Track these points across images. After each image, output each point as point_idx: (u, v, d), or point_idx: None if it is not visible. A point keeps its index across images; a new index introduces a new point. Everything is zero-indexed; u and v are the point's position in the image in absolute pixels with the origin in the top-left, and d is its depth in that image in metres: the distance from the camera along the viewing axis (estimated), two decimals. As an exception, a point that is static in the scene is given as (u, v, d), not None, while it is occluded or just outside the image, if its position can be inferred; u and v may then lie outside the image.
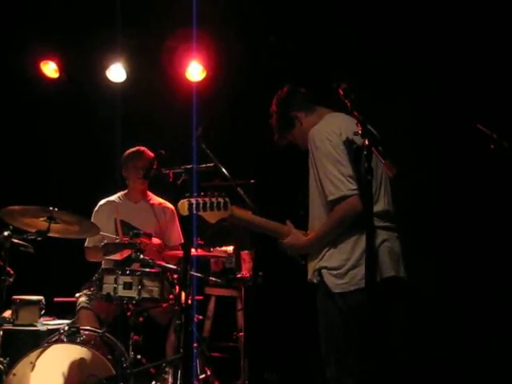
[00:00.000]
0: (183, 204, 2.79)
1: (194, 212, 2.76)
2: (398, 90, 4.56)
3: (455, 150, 4.43)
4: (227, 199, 2.78)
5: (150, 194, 4.56)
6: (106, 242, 3.91)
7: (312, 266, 2.81)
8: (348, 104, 2.49)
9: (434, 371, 4.27)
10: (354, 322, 2.66)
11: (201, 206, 2.76)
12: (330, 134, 2.74)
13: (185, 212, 2.79)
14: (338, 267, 2.70)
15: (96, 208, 4.44)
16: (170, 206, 4.53)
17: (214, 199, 2.77)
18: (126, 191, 4.54)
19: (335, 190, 2.67)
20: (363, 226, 2.55)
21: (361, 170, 2.57)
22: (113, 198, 4.51)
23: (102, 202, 4.48)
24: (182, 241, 4.48)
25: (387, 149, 2.60)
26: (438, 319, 4.40)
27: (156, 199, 4.56)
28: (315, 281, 2.79)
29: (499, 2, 4.30)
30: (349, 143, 2.68)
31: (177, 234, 4.51)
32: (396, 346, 2.89)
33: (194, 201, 2.76)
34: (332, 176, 2.68)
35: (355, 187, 2.65)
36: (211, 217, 2.78)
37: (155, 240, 4.19)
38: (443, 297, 4.44)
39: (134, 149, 4.46)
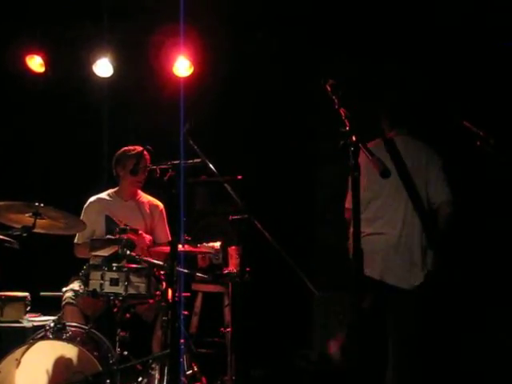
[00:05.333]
0: None
1: None
2: (383, 87, 4.56)
3: (441, 147, 4.45)
4: None
5: (140, 192, 4.54)
6: (93, 237, 3.88)
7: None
8: (335, 100, 2.50)
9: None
10: None
11: None
12: None
13: None
14: None
15: (86, 205, 4.42)
16: (160, 204, 4.52)
17: None
18: (116, 189, 4.52)
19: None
20: None
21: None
22: (103, 195, 4.49)
23: (92, 198, 4.45)
24: (170, 239, 4.46)
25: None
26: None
27: (146, 197, 4.55)
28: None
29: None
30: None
31: (165, 233, 4.50)
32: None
33: None
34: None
35: None
36: None
37: (145, 235, 4.18)
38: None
39: (125, 148, 4.43)
